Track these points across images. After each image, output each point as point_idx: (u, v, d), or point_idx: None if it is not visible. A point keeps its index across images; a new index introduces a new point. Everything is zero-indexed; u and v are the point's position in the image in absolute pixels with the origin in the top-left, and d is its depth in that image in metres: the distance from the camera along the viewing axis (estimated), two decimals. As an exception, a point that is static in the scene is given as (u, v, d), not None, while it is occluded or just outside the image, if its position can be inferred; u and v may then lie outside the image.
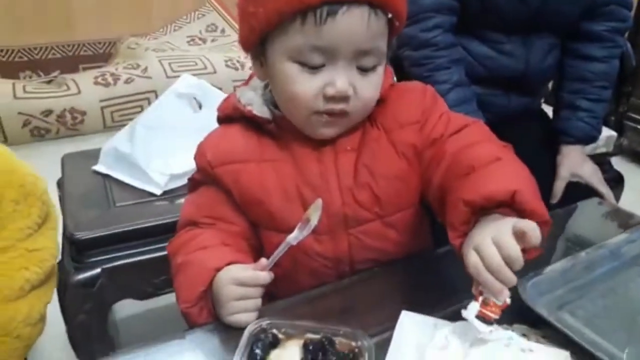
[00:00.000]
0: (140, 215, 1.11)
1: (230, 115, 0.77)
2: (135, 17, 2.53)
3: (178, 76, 1.34)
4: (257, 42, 0.70)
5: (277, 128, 0.74)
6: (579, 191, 1.13)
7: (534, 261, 0.75)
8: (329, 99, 0.67)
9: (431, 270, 0.78)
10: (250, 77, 0.80)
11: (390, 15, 0.68)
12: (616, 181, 1.44)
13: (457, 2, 1.06)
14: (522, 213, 0.59)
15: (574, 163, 1.16)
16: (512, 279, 0.55)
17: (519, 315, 0.67)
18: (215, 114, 0.80)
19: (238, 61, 2.33)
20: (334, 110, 0.68)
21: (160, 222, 1.10)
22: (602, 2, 1.11)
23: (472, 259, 0.57)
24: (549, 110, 1.32)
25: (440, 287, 0.73)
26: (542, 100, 1.40)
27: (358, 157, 0.75)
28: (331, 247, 0.75)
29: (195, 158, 0.78)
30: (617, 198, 1.34)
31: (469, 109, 1.07)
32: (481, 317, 0.56)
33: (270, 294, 0.72)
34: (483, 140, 0.71)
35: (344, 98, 0.67)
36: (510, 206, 0.59)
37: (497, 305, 0.56)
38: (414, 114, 0.75)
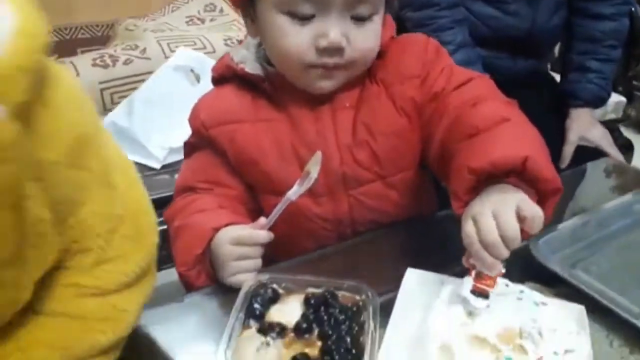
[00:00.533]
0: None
1: (224, 75, 0.75)
2: (133, -2, 2.48)
3: (177, 56, 1.31)
4: None
5: (272, 86, 0.71)
6: (588, 156, 1.10)
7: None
8: (322, 51, 0.64)
9: (436, 232, 0.75)
10: (246, 37, 0.77)
11: None
12: (626, 148, 1.40)
13: None
14: (533, 181, 0.54)
15: (583, 126, 1.12)
16: (505, 254, 0.51)
17: (531, 274, 0.64)
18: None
19: (237, 40, 2.29)
20: (327, 64, 0.65)
21: (160, 195, 1.07)
22: None
23: (468, 229, 0.52)
24: (555, 77, 1.28)
25: (445, 249, 0.70)
26: (549, 67, 1.36)
27: (356, 114, 0.71)
28: (331, 208, 0.73)
29: (189, 121, 0.76)
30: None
31: (475, 70, 1.04)
32: (476, 292, 0.53)
33: (271, 260, 0.69)
34: (488, 97, 0.67)
35: (338, 50, 0.64)
36: (520, 174, 0.54)
37: (491, 277, 0.53)
38: (414, 68, 0.71)
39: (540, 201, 0.55)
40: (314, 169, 0.61)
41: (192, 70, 1.30)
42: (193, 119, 0.75)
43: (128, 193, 0.49)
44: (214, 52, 2.41)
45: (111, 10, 2.49)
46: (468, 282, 0.53)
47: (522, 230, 0.51)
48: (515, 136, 0.58)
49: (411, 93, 0.71)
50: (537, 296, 0.54)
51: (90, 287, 0.45)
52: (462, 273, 0.56)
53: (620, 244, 0.73)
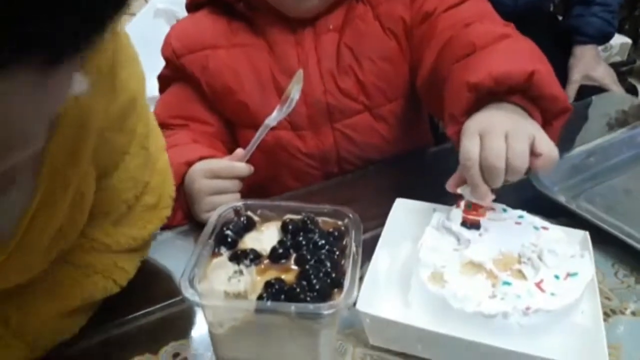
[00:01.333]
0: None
1: (197, 1, 0.69)
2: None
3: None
4: None
5: (249, 9, 0.65)
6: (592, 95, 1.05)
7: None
8: None
9: (428, 168, 0.70)
10: None
11: None
12: (631, 93, 1.34)
13: None
14: (539, 100, 0.48)
15: (588, 65, 1.06)
16: (500, 183, 0.45)
17: (532, 205, 0.58)
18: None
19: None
20: None
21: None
22: None
23: (472, 147, 0.45)
24: (558, 18, 1.22)
25: (438, 185, 0.66)
26: (552, 7, 1.29)
27: (341, 37, 0.66)
28: (315, 143, 0.68)
29: (161, 51, 0.70)
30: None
31: None
32: (467, 224, 0.48)
33: None
34: (485, 17, 0.61)
35: None
36: (526, 91, 0.48)
37: (482, 205, 0.47)
38: None
39: (546, 124, 0.49)
40: (295, 88, 0.56)
41: (174, 16, 1.22)
42: (165, 48, 0.69)
43: (158, 160, 0.49)
44: None
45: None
46: (457, 214, 0.48)
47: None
48: (517, 51, 0.52)
49: (400, 12, 0.65)
50: (538, 220, 0.50)
51: (100, 242, 0.45)
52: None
53: (624, 174, 0.69)
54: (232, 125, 0.70)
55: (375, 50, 0.65)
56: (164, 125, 0.68)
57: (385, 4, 0.65)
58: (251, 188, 0.63)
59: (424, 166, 0.71)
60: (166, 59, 0.69)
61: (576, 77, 1.06)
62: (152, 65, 1.17)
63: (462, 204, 0.48)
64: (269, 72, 0.65)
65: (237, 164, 0.58)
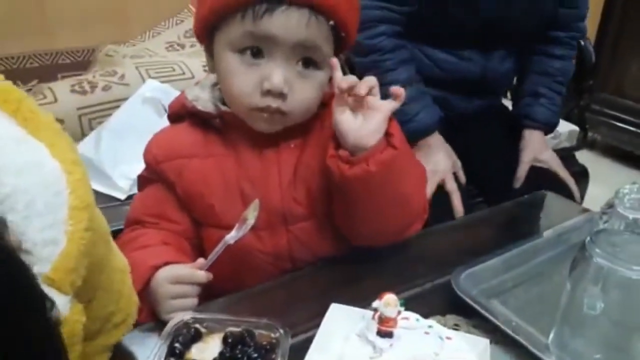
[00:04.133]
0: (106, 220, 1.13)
1: (178, 113, 0.79)
2: (114, 24, 2.53)
3: (156, 82, 1.35)
4: (206, 34, 0.72)
5: (223, 124, 0.76)
6: (542, 178, 1.16)
7: (474, 251, 0.77)
8: (265, 93, 0.69)
9: (372, 262, 0.78)
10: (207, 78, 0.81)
11: (332, 22, 0.69)
12: (582, 175, 1.46)
13: (401, 15, 1.10)
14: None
15: (536, 148, 1.19)
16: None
17: (452, 305, 0.68)
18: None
19: (215, 65, 2.34)
20: (270, 107, 0.70)
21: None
22: (562, 20, 1.18)
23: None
24: (508, 106, 1.35)
25: (378, 278, 0.75)
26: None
27: (300, 154, 0.76)
28: (271, 243, 0.77)
29: (143, 155, 0.80)
30: (583, 192, 1.36)
31: (422, 104, 1.09)
32: (381, 333, 0.56)
33: (212, 294, 0.73)
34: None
35: (280, 95, 0.69)
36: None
37: (392, 317, 0.56)
38: None
39: None
40: (251, 215, 0.65)
41: (160, 103, 1.34)
42: (146, 154, 0.79)
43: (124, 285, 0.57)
44: (193, 77, 2.46)
45: (93, 35, 2.54)
46: (372, 325, 0.57)
47: None
48: None
49: None
50: (444, 331, 0.58)
51: None
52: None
53: (543, 274, 0.77)
54: (199, 225, 0.79)
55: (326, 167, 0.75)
56: (138, 221, 0.78)
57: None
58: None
59: (368, 260, 0.79)
60: (147, 163, 0.79)
61: (526, 158, 1.18)
62: (138, 146, 1.27)
63: (377, 316, 0.57)
64: (235, 179, 0.75)
65: (198, 272, 0.67)
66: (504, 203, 0.96)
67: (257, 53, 0.68)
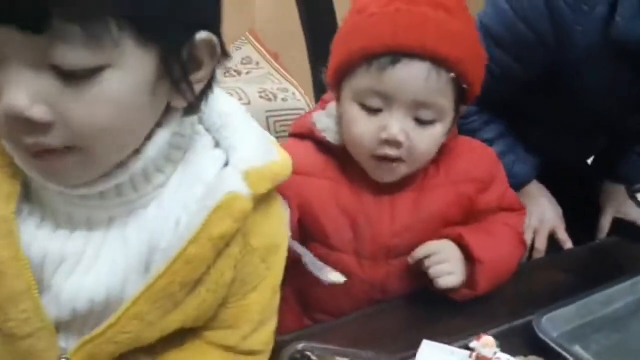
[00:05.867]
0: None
1: (303, 134, 0.83)
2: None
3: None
4: (335, 84, 0.77)
5: (345, 155, 0.79)
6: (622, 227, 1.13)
7: (554, 296, 0.79)
8: (383, 142, 0.73)
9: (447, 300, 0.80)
10: (322, 101, 0.86)
11: (453, 75, 0.70)
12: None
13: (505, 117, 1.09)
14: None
15: (620, 200, 1.16)
16: None
17: (530, 348, 0.71)
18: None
19: (271, 92, 2.43)
20: (388, 156, 0.73)
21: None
22: None
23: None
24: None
25: (454, 318, 0.77)
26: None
27: (416, 198, 0.80)
28: (371, 273, 0.80)
29: None
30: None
31: (514, 157, 1.09)
32: None
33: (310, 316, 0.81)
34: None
35: (397, 144, 0.72)
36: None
37: (489, 358, 0.60)
38: (482, 172, 0.82)
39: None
40: (326, 277, 0.68)
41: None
42: None
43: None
44: (249, 103, 2.56)
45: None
46: None
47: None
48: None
49: (471, 194, 0.81)
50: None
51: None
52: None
53: (623, 321, 0.79)
54: (305, 236, 0.81)
55: (440, 215, 0.80)
56: None
57: (464, 183, 0.80)
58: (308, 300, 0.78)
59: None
60: None
61: (610, 210, 1.15)
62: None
63: (474, 355, 0.61)
64: (350, 207, 0.78)
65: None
66: (574, 247, 0.98)
67: (378, 107, 0.73)
